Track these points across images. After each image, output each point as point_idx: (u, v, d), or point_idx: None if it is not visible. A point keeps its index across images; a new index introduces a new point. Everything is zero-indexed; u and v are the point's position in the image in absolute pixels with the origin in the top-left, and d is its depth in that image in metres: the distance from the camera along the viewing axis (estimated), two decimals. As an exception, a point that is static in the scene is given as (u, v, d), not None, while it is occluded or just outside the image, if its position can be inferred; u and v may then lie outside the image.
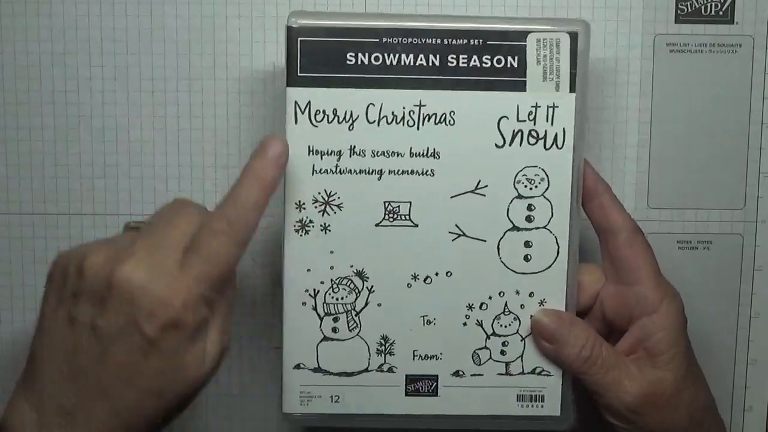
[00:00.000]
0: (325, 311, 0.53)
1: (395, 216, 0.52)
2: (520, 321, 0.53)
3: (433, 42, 0.51)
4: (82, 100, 0.60)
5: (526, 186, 0.52)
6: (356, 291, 0.53)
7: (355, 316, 0.53)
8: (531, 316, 0.53)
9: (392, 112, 0.51)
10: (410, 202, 0.52)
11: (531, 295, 0.53)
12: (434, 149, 0.52)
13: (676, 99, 0.60)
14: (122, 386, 0.46)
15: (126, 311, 0.45)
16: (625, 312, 0.53)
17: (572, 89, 0.51)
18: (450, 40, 0.51)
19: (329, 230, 0.52)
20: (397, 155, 0.52)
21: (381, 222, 0.52)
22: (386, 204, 0.52)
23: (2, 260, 0.61)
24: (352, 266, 0.53)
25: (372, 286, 0.53)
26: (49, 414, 0.46)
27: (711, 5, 0.59)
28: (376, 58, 0.51)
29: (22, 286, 0.62)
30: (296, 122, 0.51)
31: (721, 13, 0.59)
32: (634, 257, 0.53)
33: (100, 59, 0.59)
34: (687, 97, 0.60)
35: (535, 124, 0.52)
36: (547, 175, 0.52)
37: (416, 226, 0.52)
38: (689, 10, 0.59)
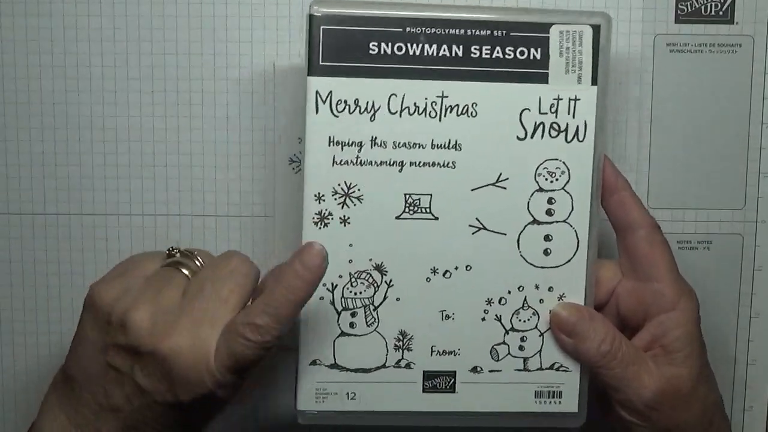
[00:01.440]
0: (343, 306, 0.53)
1: (416, 209, 0.52)
2: (539, 316, 0.54)
3: (457, 32, 0.51)
4: (82, 100, 0.61)
5: (546, 179, 0.53)
6: (375, 285, 0.53)
7: (374, 310, 0.53)
8: (550, 310, 0.54)
9: (414, 103, 0.52)
10: (431, 195, 0.52)
11: (550, 289, 0.54)
12: (456, 141, 0.52)
13: (676, 99, 0.61)
14: (155, 426, 0.50)
15: (166, 380, 0.48)
16: (641, 309, 0.54)
17: (594, 82, 0.52)
18: (473, 30, 0.51)
19: (348, 223, 0.52)
20: (419, 147, 0.52)
21: (401, 215, 0.52)
22: (407, 196, 0.52)
23: (2, 260, 0.62)
24: (371, 260, 0.53)
25: (391, 280, 0.53)
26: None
27: (711, 5, 0.60)
28: (399, 48, 0.51)
29: (22, 286, 0.62)
30: (317, 112, 0.51)
31: (721, 13, 0.61)
32: (653, 254, 0.54)
33: (101, 59, 0.60)
34: (687, 97, 0.61)
35: (556, 116, 0.52)
36: (568, 168, 0.53)
37: (437, 219, 0.53)
38: (689, 10, 0.60)
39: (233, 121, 0.60)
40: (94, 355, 0.50)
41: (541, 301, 0.54)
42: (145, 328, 0.48)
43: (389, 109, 0.52)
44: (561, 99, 0.52)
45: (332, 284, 0.53)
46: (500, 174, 0.53)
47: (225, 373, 0.48)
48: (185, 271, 0.51)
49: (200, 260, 0.52)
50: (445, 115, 0.52)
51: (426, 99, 0.52)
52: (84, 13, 0.60)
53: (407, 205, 0.52)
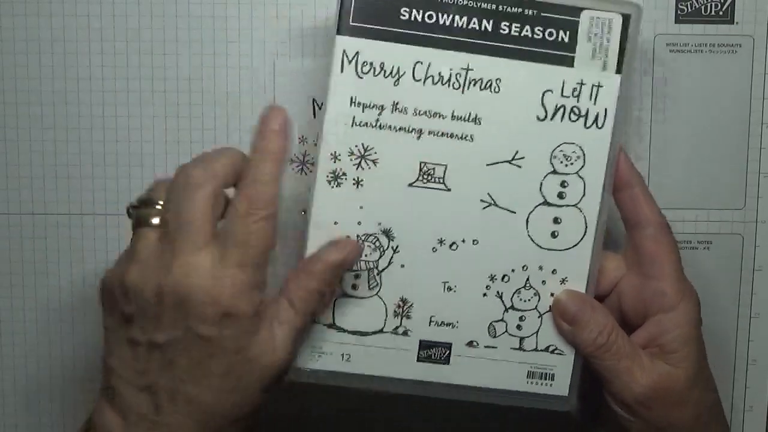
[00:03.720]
0: (347, 267, 0.54)
1: (429, 178, 0.54)
2: (539, 297, 0.55)
3: (488, 7, 0.53)
4: (82, 100, 0.62)
5: (562, 162, 0.54)
6: (381, 249, 0.54)
7: (377, 275, 0.55)
8: (551, 294, 0.55)
9: (439, 73, 0.53)
10: (446, 165, 0.54)
11: (554, 272, 0.55)
12: (476, 115, 0.53)
13: (676, 99, 0.63)
14: (195, 389, 0.49)
15: (180, 320, 0.48)
16: (642, 306, 0.56)
17: (618, 70, 0.54)
18: (505, 6, 0.53)
19: (362, 185, 0.54)
20: (439, 116, 0.53)
21: (414, 182, 0.54)
22: (422, 164, 0.54)
23: (2, 260, 0.64)
24: (380, 224, 0.54)
25: (397, 246, 0.54)
26: (133, 420, 0.50)
27: (711, 5, 0.62)
28: (430, 17, 0.53)
29: (22, 286, 0.64)
30: (342, 71, 0.53)
31: (721, 13, 0.62)
32: (658, 253, 0.55)
33: (100, 59, 0.62)
34: (687, 97, 0.63)
35: (578, 101, 0.54)
36: (584, 153, 0.54)
37: (449, 190, 0.54)
38: (689, 10, 0.62)
39: (233, 122, 0.62)
40: (117, 341, 0.50)
41: (543, 282, 0.55)
42: (142, 281, 0.48)
43: (414, 76, 0.53)
44: (584, 84, 0.54)
45: (339, 244, 0.54)
46: (516, 152, 0.54)
47: (237, 273, 0.48)
48: (153, 221, 0.50)
49: (158, 202, 0.51)
50: (468, 88, 0.53)
51: (451, 70, 0.53)
52: (84, 13, 0.61)
53: (421, 173, 0.54)
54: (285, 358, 0.50)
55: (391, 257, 0.55)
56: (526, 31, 0.53)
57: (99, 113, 0.62)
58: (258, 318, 0.49)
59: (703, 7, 0.62)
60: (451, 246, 0.55)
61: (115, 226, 0.63)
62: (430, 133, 0.54)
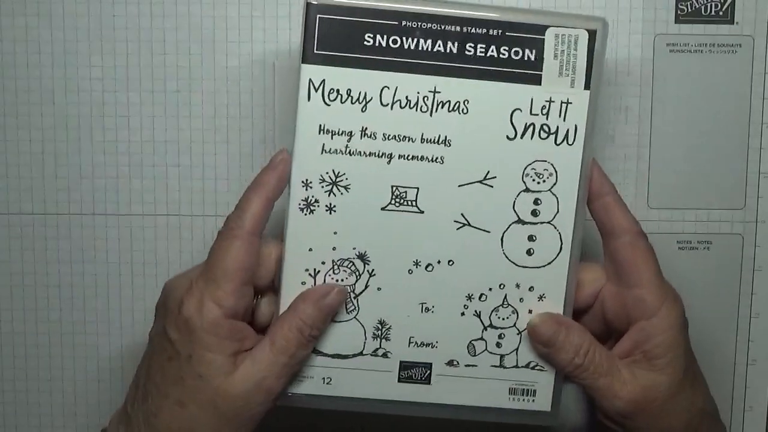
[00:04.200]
0: (324, 292, 0.55)
1: (402, 201, 0.54)
2: (518, 314, 0.56)
3: (453, 29, 0.53)
4: (82, 100, 0.62)
5: (534, 180, 0.54)
6: (357, 273, 0.55)
7: (354, 298, 0.55)
8: (530, 311, 0.56)
9: (406, 97, 0.53)
10: (418, 188, 0.54)
11: (531, 289, 0.55)
12: (446, 137, 0.54)
13: (676, 99, 0.63)
14: (153, 390, 0.53)
15: (163, 316, 0.53)
16: (624, 313, 0.56)
17: (587, 86, 0.54)
18: (469, 28, 0.53)
19: (334, 211, 0.54)
20: (408, 140, 0.53)
21: (387, 206, 0.54)
22: (393, 188, 0.54)
23: (2, 260, 0.64)
24: (354, 248, 0.55)
25: (373, 270, 0.55)
26: (123, 407, 0.55)
27: (711, 5, 0.62)
28: (394, 41, 0.53)
29: (22, 286, 0.64)
30: (309, 99, 0.53)
31: (721, 13, 0.62)
32: (635, 260, 0.55)
33: (100, 59, 0.62)
34: (687, 97, 0.63)
35: (547, 118, 0.54)
36: (555, 171, 0.54)
37: (422, 212, 0.54)
38: (689, 10, 0.62)
39: (233, 121, 0.63)
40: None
41: (521, 300, 0.56)
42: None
43: (381, 101, 0.53)
44: (553, 101, 0.54)
45: (314, 270, 0.55)
46: (488, 172, 0.54)
47: (201, 284, 0.52)
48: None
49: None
50: (436, 111, 0.53)
51: (418, 93, 0.53)
52: (84, 13, 0.62)
53: (393, 197, 0.54)
54: (242, 394, 0.52)
55: (368, 281, 0.55)
56: (492, 51, 0.53)
57: (99, 113, 0.63)
58: (217, 338, 0.52)
59: (703, 7, 0.62)
60: (426, 267, 0.55)
61: (115, 226, 0.63)
62: (400, 156, 0.54)
